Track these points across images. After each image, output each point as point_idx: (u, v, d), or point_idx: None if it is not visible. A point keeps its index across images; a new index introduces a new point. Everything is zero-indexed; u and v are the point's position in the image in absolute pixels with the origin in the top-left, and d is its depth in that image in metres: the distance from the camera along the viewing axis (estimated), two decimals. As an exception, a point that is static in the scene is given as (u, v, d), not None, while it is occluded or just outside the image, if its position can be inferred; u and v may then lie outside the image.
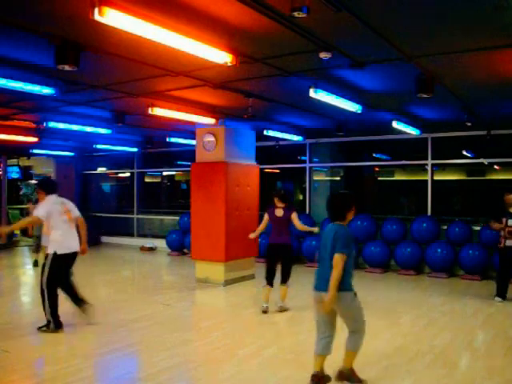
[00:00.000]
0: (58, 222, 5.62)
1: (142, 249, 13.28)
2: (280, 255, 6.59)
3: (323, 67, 5.22)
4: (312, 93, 5.70)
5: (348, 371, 4.07)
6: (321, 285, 3.93)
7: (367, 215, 10.35)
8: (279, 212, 6.59)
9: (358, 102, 6.77)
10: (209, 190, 8.46)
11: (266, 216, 6.75)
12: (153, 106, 7.17)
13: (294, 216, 6.60)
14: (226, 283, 8.36)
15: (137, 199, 14.57)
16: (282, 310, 6.60)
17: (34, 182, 16.31)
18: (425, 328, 6.01)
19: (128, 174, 15.51)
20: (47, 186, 5.91)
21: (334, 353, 4.02)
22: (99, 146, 12.52)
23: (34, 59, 5.02)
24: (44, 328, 5.60)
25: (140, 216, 14.53)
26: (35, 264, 10.07)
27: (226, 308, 7.45)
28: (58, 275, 5.66)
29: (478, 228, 9.41)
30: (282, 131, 9.97)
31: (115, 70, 5.55)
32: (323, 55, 4.49)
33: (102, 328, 5.87)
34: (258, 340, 5.49)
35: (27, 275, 10.11)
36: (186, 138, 10.78)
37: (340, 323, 4.06)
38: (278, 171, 13.55)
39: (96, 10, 3.22)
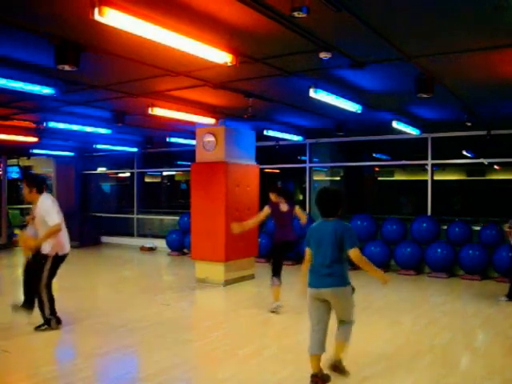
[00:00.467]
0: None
1: (142, 249, 13.28)
2: (287, 252, 6.59)
3: (323, 67, 5.22)
4: (312, 93, 5.70)
5: (340, 363, 4.17)
6: (320, 282, 3.94)
7: (367, 215, 10.36)
8: (284, 207, 6.48)
9: (358, 102, 6.77)
10: (209, 190, 8.46)
11: (267, 210, 6.42)
12: (153, 105, 7.17)
13: (298, 210, 6.59)
14: (225, 283, 8.35)
15: (137, 199, 14.57)
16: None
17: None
18: (425, 328, 6.01)
19: (128, 174, 15.51)
20: (41, 185, 5.58)
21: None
22: (99, 146, 12.52)
23: (33, 59, 5.02)
24: (44, 327, 5.58)
25: (140, 216, 14.53)
26: None
27: (226, 308, 7.45)
28: (54, 274, 5.58)
29: (477, 228, 9.41)
30: (282, 131, 9.97)
31: (115, 70, 5.55)
32: (323, 55, 4.49)
33: (102, 328, 5.87)
34: (258, 340, 5.49)
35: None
36: (186, 138, 10.77)
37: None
38: (278, 171, 13.55)
39: (96, 10, 3.21)
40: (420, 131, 9.38)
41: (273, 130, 9.68)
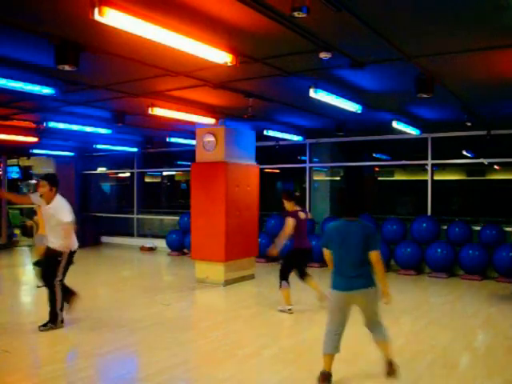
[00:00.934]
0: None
1: (142, 249, 13.28)
2: (306, 260, 6.68)
3: (323, 67, 5.22)
4: (312, 93, 5.70)
5: (392, 363, 4.16)
6: (350, 284, 3.91)
7: (367, 215, 10.36)
8: (302, 214, 6.51)
9: (358, 102, 6.77)
10: (209, 190, 8.46)
11: (292, 221, 6.29)
12: (153, 106, 7.17)
13: (310, 215, 6.66)
14: (225, 283, 8.35)
15: (137, 199, 14.57)
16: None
17: (33, 181, 16.32)
18: (425, 328, 6.01)
19: (128, 174, 15.51)
20: (57, 184, 5.80)
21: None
22: (99, 146, 12.52)
23: (33, 59, 5.02)
24: (50, 325, 5.63)
25: (140, 216, 14.53)
26: None
27: (226, 308, 7.45)
28: (67, 270, 5.79)
29: (478, 228, 9.41)
30: (282, 131, 9.97)
31: (115, 70, 5.55)
32: (323, 55, 4.48)
33: (102, 328, 5.88)
34: (258, 340, 5.49)
35: (27, 275, 10.11)
36: (186, 138, 10.77)
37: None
38: (278, 171, 13.56)
39: (96, 10, 3.21)
40: (420, 131, 9.38)
41: (273, 129, 9.68)
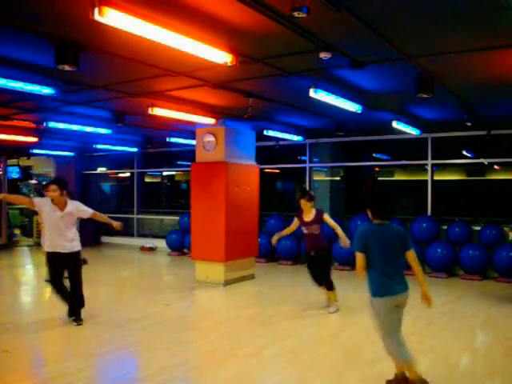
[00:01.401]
0: None
1: (142, 249, 13.28)
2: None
3: (323, 67, 5.21)
4: (312, 93, 5.69)
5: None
6: (397, 287, 3.84)
7: (367, 215, 10.35)
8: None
9: (358, 102, 6.77)
10: (209, 190, 8.46)
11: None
12: (153, 106, 7.17)
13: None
14: (225, 283, 8.35)
15: (137, 199, 14.57)
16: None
17: (33, 181, 16.32)
18: (425, 328, 6.01)
19: (128, 174, 15.51)
20: (67, 187, 5.88)
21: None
22: (99, 146, 12.52)
23: (34, 59, 5.02)
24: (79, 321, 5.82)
25: (140, 216, 14.53)
26: None
27: (226, 308, 7.45)
28: None
29: (478, 228, 9.41)
30: (282, 131, 9.97)
31: (115, 69, 5.55)
32: (323, 55, 4.48)
33: (102, 328, 5.88)
34: (258, 340, 5.49)
35: (27, 275, 10.11)
36: (186, 138, 10.77)
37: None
38: (278, 171, 13.56)
39: (96, 10, 3.22)
40: (420, 131, 9.38)
41: (273, 130, 9.68)
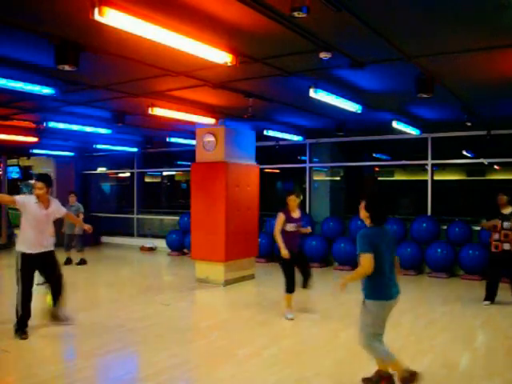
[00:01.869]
0: None
1: (142, 249, 13.29)
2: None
3: (323, 67, 5.22)
4: (312, 93, 5.70)
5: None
6: (394, 291, 3.86)
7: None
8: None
9: (358, 102, 6.77)
10: (209, 190, 8.46)
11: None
12: (153, 106, 7.17)
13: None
14: (225, 283, 8.35)
15: (137, 199, 14.57)
16: None
17: (33, 181, 16.30)
18: (425, 328, 6.01)
19: (128, 174, 15.51)
20: (52, 184, 5.72)
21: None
22: (99, 146, 12.52)
23: (34, 59, 5.02)
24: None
25: (140, 216, 14.53)
26: (68, 262, 10.16)
27: (226, 308, 7.45)
28: None
29: (478, 228, 9.40)
30: (282, 131, 9.97)
31: (115, 70, 5.54)
32: (323, 55, 4.48)
33: (102, 328, 5.88)
34: (258, 340, 5.49)
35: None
36: (185, 138, 10.77)
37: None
38: (278, 171, 13.55)
39: (96, 10, 3.22)
40: (420, 131, 9.38)
41: (273, 130, 9.68)
